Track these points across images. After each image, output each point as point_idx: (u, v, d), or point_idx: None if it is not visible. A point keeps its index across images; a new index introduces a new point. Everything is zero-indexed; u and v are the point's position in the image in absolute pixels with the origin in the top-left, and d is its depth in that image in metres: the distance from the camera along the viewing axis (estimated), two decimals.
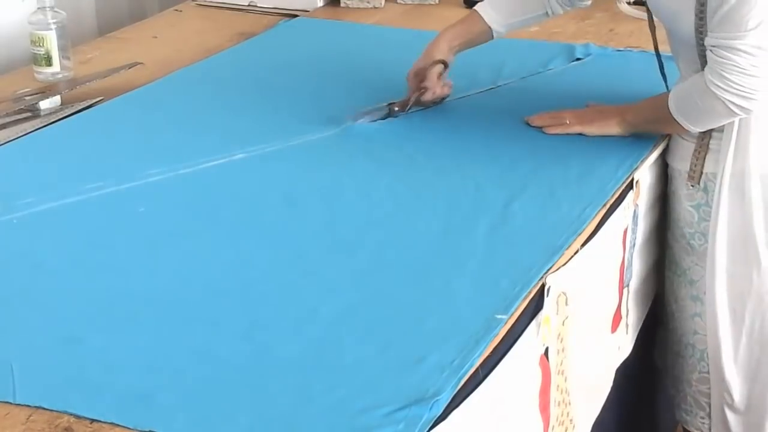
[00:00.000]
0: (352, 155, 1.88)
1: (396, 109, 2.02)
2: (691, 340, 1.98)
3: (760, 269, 1.87)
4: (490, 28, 2.04)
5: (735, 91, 1.72)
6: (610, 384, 1.83)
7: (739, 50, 1.69)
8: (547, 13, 2.07)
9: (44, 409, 1.22)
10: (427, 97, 2.05)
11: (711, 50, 1.73)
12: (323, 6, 2.77)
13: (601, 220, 1.69)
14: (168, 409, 1.22)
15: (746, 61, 1.69)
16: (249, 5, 2.78)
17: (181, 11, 2.80)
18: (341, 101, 2.03)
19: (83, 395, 1.24)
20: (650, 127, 1.93)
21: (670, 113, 1.82)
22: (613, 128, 1.92)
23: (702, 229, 1.90)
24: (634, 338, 1.96)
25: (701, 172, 1.88)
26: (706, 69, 1.75)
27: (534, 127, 1.96)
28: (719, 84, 1.72)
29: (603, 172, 1.81)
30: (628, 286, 1.87)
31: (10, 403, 1.23)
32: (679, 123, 1.82)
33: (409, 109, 2.03)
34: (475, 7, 2.07)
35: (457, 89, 2.16)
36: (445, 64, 2.04)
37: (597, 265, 1.69)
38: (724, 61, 1.71)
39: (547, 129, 1.94)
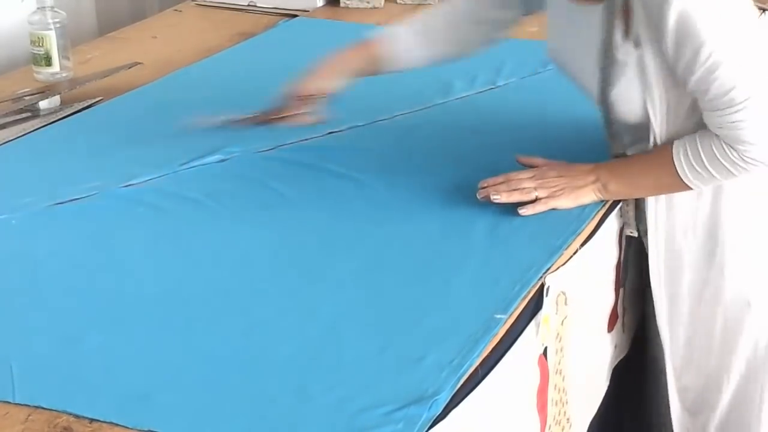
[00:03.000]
0: (355, 155, 1.88)
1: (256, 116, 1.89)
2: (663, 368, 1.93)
3: (699, 306, 1.80)
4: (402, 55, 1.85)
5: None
6: (607, 383, 1.84)
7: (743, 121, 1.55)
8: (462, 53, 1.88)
9: (43, 408, 1.22)
10: (290, 122, 1.90)
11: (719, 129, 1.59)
12: (323, 6, 2.77)
13: (600, 219, 1.69)
14: (168, 409, 1.22)
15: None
16: (249, 5, 2.78)
17: (181, 11, 2.80)
18: (341, 99, 2.03)
19: (82, 395, 1.24)
20: (640, 193, 1.75)
21: (681, 180, 1.64)
22: (588, 197, 1.70)
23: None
24: (631, 337, 1.96)
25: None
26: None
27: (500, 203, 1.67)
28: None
29: None
30: (624, 285, 1.87)
31: (9, 403, 1.23)
32: (687, 185, 1.65)
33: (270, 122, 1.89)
34: (384, 30, 1.87)
35: (457, 89, 2.16)
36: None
37: (595, 265, 1.69)
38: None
39: (522, 210, 1.65)
